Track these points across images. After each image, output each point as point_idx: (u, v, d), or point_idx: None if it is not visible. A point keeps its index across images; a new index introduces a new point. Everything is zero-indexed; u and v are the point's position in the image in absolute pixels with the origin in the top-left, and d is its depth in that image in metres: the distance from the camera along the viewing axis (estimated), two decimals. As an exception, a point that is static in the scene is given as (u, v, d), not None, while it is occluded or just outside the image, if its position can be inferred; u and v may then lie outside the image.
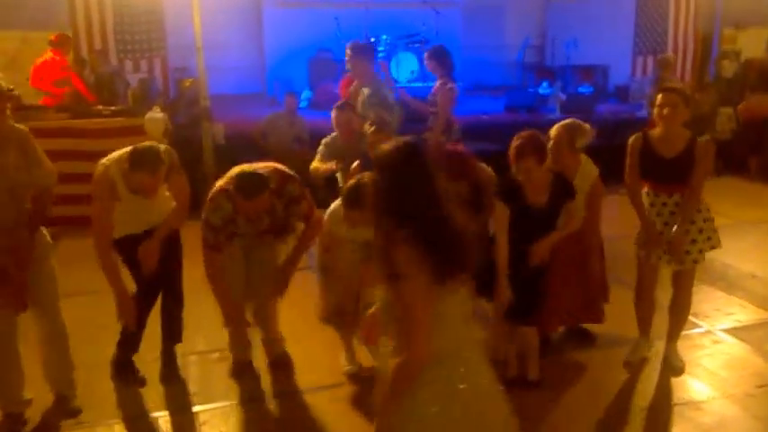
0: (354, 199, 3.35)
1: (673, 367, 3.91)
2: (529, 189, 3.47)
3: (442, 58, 5.32)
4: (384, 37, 10.66)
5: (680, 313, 3.93)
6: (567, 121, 3.94)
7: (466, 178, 3.67)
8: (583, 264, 3.98)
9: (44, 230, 3.40)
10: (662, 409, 3.60)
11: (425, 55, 5.41)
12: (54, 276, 3.45)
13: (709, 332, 4.43)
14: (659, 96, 3.64)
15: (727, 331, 4.42)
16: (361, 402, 3.62)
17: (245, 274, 3.80)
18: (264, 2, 11.48)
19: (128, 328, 3.62)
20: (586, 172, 3.89)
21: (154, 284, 3.66)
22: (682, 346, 4.14)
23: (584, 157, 3.94)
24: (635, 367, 3.94)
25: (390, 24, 10.96)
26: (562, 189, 3.53)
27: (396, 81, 10.48)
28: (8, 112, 3.24)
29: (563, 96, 9.10)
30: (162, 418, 3.51)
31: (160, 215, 3.63)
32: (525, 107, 9.28)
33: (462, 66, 11.81)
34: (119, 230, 3.55)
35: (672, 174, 3.65)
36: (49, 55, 8.05)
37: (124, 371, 3.78)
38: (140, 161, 3.32)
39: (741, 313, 4.72)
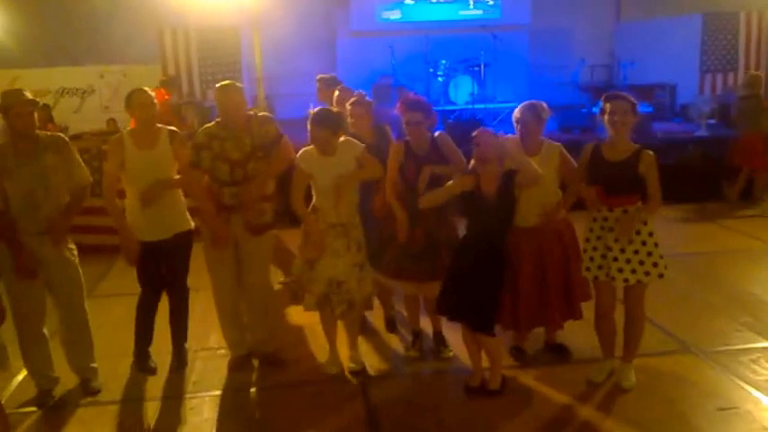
0: (323, 118, 3.94)
1: (620, 386, 4.02)
2: (483, 178, 3.77)
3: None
4: (443, 62, 11.13)
5: (630, 332, 4.03)
6: (525, 102, 4.14)
7: (419, 111, 4.13)
8: (563, 262, 4.14)
9: (69, 239, 4.02)
10: (613, 427, 3.69)
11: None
12: (79, 280, 4.06)
13: (691, 354, 4.49)
14: (608, 104, 3.76)
15: (710, 354, 4.45)
16: (338, 398, 4.04)
17: (236, 273, 4.27)
18: (338, 33, 12.23)
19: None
20: (547, 146, 4.11)
21: (157, 286, 4.31)
22: (659, 366, 4.28)
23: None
24: (598, 385, 4.07)
25: (450, 49, 11.43)
26: (510, 182, 3.76)
27: (454, 103, 10.96)
28: (35, 118, 3.83)
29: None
30: (159, 401, 4.07)
31: (173, 224, 4.20)
32: (579, 127, 9.38)
33: (529, 87, 12.09)
34: (136, 234, 4.13)
35: (614, 180, 3.77)
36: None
37: (140, 360, 4.39)
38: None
39: (735, 339, 4.72)
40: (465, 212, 3.94)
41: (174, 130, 4.26)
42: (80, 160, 4.04)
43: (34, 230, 3.82)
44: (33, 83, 10.13)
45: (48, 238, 3.87)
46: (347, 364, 4.35)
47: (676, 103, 10.70)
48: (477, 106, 10.59)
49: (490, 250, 3.81)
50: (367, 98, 4.72)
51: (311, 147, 4.06)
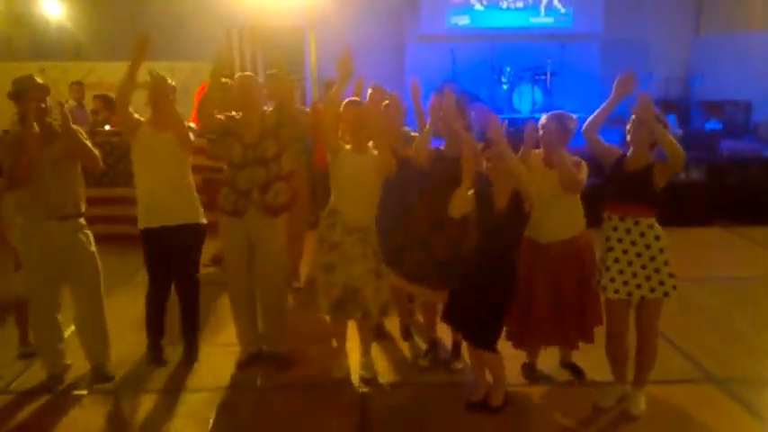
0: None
1: (628, 413, 3.85)
2: (495, 192, 3.68)
3: None
4: (507, 69, 10.96)
5: (640, 356, 3.85)
6: (553, 112, 4.04)
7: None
8: (580, 281, 3.97)
9: (85, 225, 4.13)
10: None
11: None
12: (95, 268, 4.16)
13: (712, 384, 4.23)
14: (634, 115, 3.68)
15: (732, 387, 4.17)
16: (336, 405, 4.02)
17: (249, 260, 4.30)
18: (407, 38, 12.24)
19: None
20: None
21: (165, 279, 4.38)
22: (675, 394, 4.07)
23: None
24: (605, 410, 3.89)
25: (518, 57, 11.27)
26: (521, 198, 3.64)
27: (518, 111, 10.79)
28: (44, 105, 3.91)
29: (679, 131, 8.71)
30: (160, 394, 4.13)
31: (182, 212, 4.23)
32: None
33: (598, 99, 11.73)
34: (144, 221, 4.26)
35: (629, 189, 3.66)
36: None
37: (152, 353, 4.50)
38: None
39: (764, 372, 4.41)
40: (476, 224, 3.84)
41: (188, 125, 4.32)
42: (90, 146, 4.04)
43: (49, 215, 3.95)
44: (107, 76, 10.61)
45: (64, 224, 3.99)
46: (359, 371, 4.31)
47: (750, 121, 10.13)
48: (539, 116, 10.36)
49: (498, 266, 3.70)
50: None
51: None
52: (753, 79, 10.24)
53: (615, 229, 3.73)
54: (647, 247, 3.66)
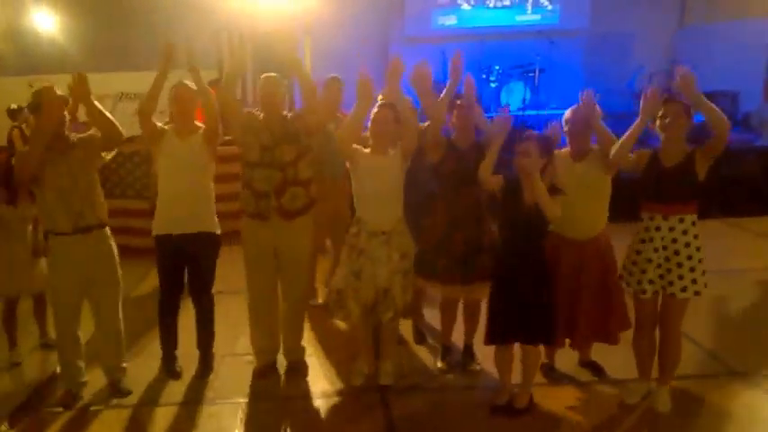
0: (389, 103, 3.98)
1: (654, 410, 3.84)
2: (526, 189, 3.62)
3: None
4: (496, 67, 10.97)
5: (664, 352, 3.84)
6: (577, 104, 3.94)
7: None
8: (600, 281, 3.93)
9: (110, 236, 4.06)
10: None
11: None
12: (116, 280, 4.09)
13: (734, 378, 4.23)
14: (662, 108, 3.65)
15: (755, 379, 4.18)
16: (358, 411, 3.98)
17: (274, 277, 4.27)
18: (391, 39, 12.16)
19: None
20: (595, 150, 3.91)
21: (176, 289, 4.32)
22: (699, 390, 4.06)
23: None
24: (631, 408, 3.89)
25: (506, 55, 11.25)
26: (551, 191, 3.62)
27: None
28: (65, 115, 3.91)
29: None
30: (179, 406, 4.07)
31: (198, 220, 4.19)
32: (631, 135, 9.07)
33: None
34: (158, 227, 4.20)
35: (669, 186, 3.61)
36: None
37: (166, 364, 4.44)
38: None
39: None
40: (502, 218, 3.78)
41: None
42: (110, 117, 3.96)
43: (70, 228, 3.88)
44: (94, 87, 10.43)
45: (87, 237, 3.93)
46: (379, 377, 4.26)
47: (738, 111, 10.21)
48: (529, 113, 10.40)
49: (532, 262, 3.66)
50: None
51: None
52: (739, 69, 10.29)
53: (658, 228, 3.67)
54: (687, 245, 3.63)
